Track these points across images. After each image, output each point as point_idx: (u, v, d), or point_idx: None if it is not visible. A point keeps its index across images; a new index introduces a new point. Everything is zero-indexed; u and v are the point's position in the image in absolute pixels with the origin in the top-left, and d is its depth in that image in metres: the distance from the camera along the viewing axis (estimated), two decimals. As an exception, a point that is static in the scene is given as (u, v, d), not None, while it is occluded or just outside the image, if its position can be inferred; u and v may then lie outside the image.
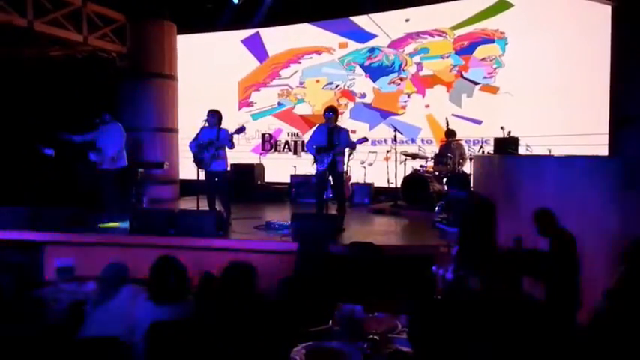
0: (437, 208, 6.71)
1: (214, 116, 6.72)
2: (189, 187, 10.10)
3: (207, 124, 6.75)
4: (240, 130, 6.65)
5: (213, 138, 6.63)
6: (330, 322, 2.87)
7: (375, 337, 2.55)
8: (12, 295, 2.88)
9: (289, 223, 6.22)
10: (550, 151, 7.14)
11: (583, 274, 3.84)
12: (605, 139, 7.57)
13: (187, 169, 10.21)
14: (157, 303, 2.95)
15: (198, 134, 6.75)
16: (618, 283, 3.16)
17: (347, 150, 6.73)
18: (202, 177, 6.84)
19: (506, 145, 6.46)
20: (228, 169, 7.09)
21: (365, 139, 6.63)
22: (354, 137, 6.99)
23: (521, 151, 6.82)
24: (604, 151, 7.46)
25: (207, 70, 11.54)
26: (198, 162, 6.72)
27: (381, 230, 6.99)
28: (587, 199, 4.33)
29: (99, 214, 6.96)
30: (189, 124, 10.00)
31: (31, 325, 2.79)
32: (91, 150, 7.04)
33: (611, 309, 3.01)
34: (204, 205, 7.21)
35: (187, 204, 8.91)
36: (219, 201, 6.93)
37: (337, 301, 3.43)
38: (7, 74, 9.57)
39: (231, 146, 6.73)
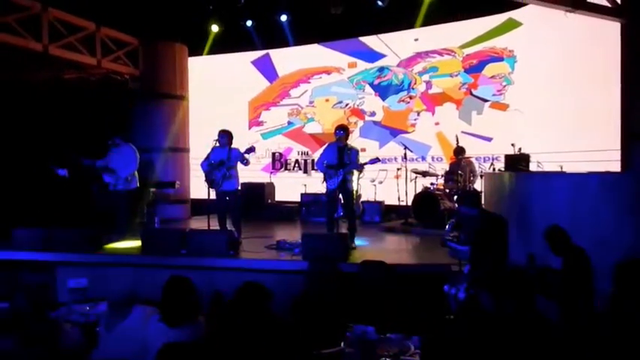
0: (447, 227, 6.66)
1: (225, 136, 6.76)
2: (200, 207, 10.15)
3: (218, 144, 6.79)
4: (250, 150, 6.70)
5: (224, 158, 6.68)
6: (342, 344, 2.85)
7: (388, 359, 2.53)
8: (28, 317, 2.90)
9: (300, 242, 6.21)
10: (562, 168, 7.10)
11: (597, 292, 3.79)
12: (617, 155, 7.50)
13: (198, 189, 10.28)
14: (168, 324, 2.95)
15: (209, 154, 6.80)
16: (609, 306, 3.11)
17: (355, 171, 6.73)
18: (213, 196, 6.89)
19: (517, 161, 6.44)
20: (239, 188, 7.13)
21: (377, 160, 6.64)
22: (364, 156, 7.00)
23: (533, 167, 6.78)
24: (616, 167, 7.40)
25: (217, 90, 11.69)
26: (210, 181, 6.76)
27: (392, 249, 6.96)
28: (601, 216, 4.29)
29: (111, 234, 7.02)
30: (200, 143, 10.14)
31: (46, 348, 2.80)
32: (105, 172, 7.13)
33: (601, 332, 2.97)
34: (215, 225, 7.24)
35: (198, 223, 8.94)
36: (230, 220, 6.95)
37: (348, 322, 3.41)
38: (21, 97, 9.75)
39: (246, 163, 6.79)
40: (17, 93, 9.61)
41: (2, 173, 9.00)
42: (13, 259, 6.42)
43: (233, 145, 6.84)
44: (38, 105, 9.89)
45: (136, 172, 7.30)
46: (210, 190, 6.84)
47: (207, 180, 6.79)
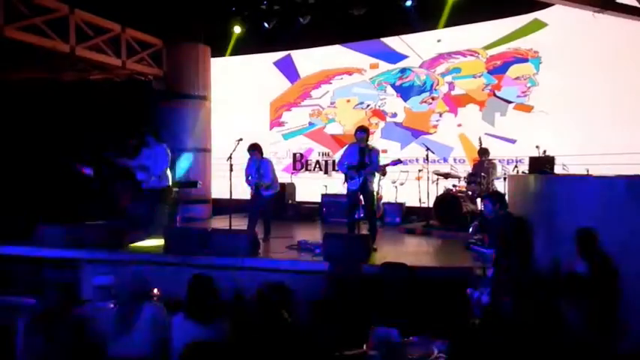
0: (471, 229, 6.60)
1: (255, 148, 7.26)
2: (221, 206, 10.24)
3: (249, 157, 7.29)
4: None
5: (254, 170, 7.24)
6: (365, 346, 2.84)
7: (411, 362, 2.52)
8: (56, 313, 2.95)
9: (321, 242, 6.21)
10: (588, 171, 6.95)
11: (624, 299, 3.70)
12: (645, 158, 7.34)
13: (219, 189, 10.37)
14: (193, 322, 2.97)
15: (247, 164, 7.36)
16: None
17: (377, 173, 6.73)
18: (235, 196, 7.05)
19: (542, 164, 6.32)
20: (276, 192, 7.59)
21: (398, 161, 6.62)
22: (386, 157, 6.98)
23: (558, 170, 6.66)
24: (645, 171, 7.23)
25: (239, 91, 11.77)
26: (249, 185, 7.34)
27: (414, 251, 6.91)
28: (630, 220, 4.18)
29: (139, 231, 7.12)
30: (221, 143, 10.22)
31: (72, 344, 2.85)
32: (139, 170, 7.25)
33: None
34: (236, 224, 7.32)
35: (219, 223, 9.01)
36: (262, 220, 7.29)
37: (370, 324, 3.39)
38: (48, 97, 9.97)
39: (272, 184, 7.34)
40: (44, 93, 9.84)
41: (28, 170, 9.22)
42: (37, 256, 6.56)
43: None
44: (65, 104, 10.11)
45: (168, 170, 7.41)
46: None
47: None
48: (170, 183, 7.47)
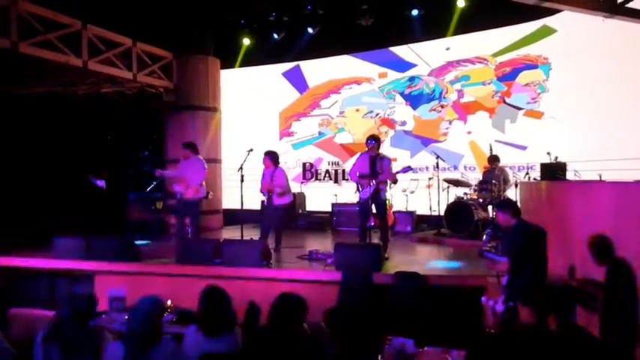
0: (485, 237, 6.55)
1: (267, 157, 7.33)
2: (231, 217, 10.28)
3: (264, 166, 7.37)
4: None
5: (268, 180, 7.29)
6: (380, 357, 2.83)
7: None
8: (70, 326, 2.96)
9: (332, 252, 6.20)
10: (600, 177, 6.89)
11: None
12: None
13: (230, 199, 10.41)
14: (206, 335, 2.97)
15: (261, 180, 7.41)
16: None
17: (389, 181, 6.73)
18: (246, 207, 7.07)
19: (554, 170, 6.29)
20: (289, 202, 7.59)
21: (409, 168, 6.61)
22: (396, 166, 6.99)
23: (569, 176, 6.61)
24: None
25: (248, 102, 11.84)
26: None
27: (426, 259, 6.87)
28: (645, 227, 4.13)
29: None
30: (231, 154, 10.28)
31: (89, 356, 2.86)
32: (175, 181, 7.49)
33: None
34: (247, 235, 7.34)
35: (230, 233, 9.04)
36: (273, 230, 7.28)
37: (384, 333, 3.38)
38: (62, 110, 10.11)
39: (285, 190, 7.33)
40: (56, 106, 9.98)
41: (42, 182, 9.33)
42: (53, 268, 6.63)
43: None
44: (78, 117, 10.24)
45: (204, 183, 7.49)
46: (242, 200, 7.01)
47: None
48: (205, 195, 7.57)
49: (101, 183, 7.60)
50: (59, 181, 9.43)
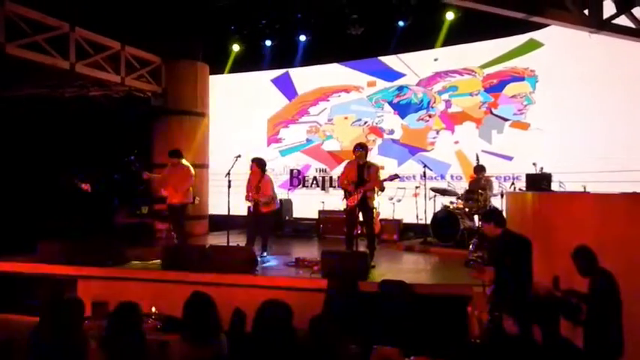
0: (471, 246, 6.60)
1: (260, 163, 7.32)
2: (218, 222, 10.22)
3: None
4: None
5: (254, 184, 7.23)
6: (366, 365, 2.82)
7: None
8: (52, 336, 2.89)
9: (319, 259, 6.19)
10: (585, 188, 6.98)
11: (624, 317, 3.69)
12: (641, 176, 7.38)
13: (217, 205, 10.36)
14: (191, 342, 2.93)
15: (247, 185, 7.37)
16: None
17: (376, 189, 6.75)
18: (233, 212, 7.07)
19: (539, 181, 6.36)
20: (275, 208, 7.59)
21: (396, 176, 6.64)
22: (383, 173, 7.02)
23: (554, 187, 6.69)
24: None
25: (237, 108, 11.82)
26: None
27: (412, 268, 6.90)
28: (629, 238, 4.19)
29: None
30: (219, 160, 10.23)
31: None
32: (163, 186, 7.51)
33: None
34: (234, 241, 7.31)
35: (217, 239, 8.98)
36: (260, 237, 7.26)
37: (370, 342, 3.37)
38: (48, 112, 10.00)
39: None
40: (45, 108, 9.87)
41: (28, 185, 9.21)
42: (35, 272, 6.52)
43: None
44: (64, 120, 10.14)
45: (191, 188, 7.53)
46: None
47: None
48: (193, 200, 7.63)
49: (86, 186, 7.52)
50: (44, 184, 9.30)
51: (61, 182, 8.29)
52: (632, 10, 6.02)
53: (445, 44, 9.59)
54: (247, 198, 7.33)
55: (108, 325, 2.83)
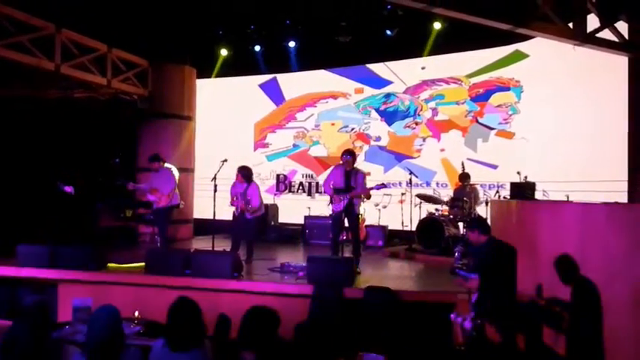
0: (457, 254, 6.64)
1: (240, 172, 7.30)
2: (203, 227, 10.15)
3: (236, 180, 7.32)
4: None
5: (240, 191, 7.23)
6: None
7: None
8: (28, 345, 2.82)
9: (304, 265, 6.18)
10: (568, 197, 7.08)
11: (605, 324, 3.75)
12: (624, 186, 7.50)
13: (202, 209, 10.30)
14: (174, 349, 2.89)
15: (231, 189, 7.36)
16: None
17: (362, 196, 6.76)
18: (219, 217, 7.09)
19: (523, 190, 6.43)
20: (260, 214, 7.59)
21: (383, 185, 6.68)
22: (369, 180, 7.04)
23: (538, 196, 6.78)
24: (623, 198, 7.39)
25: (224, 112, 11.79)
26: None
27: (397, 274, 6.91)
28: (610, 247, 4.26)
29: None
30: (205, 164, 10.18)
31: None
32: (149, 192, 7.52)
33: None
34: (219, 245, 7.27)
35: (202, 243, 8.92)
36: (245, 242, 7.24)
37: (354, 348, 3.37)
38: (31, 113, 9.86)
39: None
40: (26, 109, 9.73)
41: (8, 187, 9.05)
42: (15, 276, 6.41)
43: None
44: (48, 122, 10.01)
45: (177, 190, 7.57)
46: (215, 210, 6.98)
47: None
48: (179, 202, 7.64)
49: (69, 189, 7.42)
50: (26, 186, 9.16)
51: (44, 185, 8.17)
52: (616, 25, 6.16)
53: (432, 53, 9.68)
54: (232, 203, 7.31)
55: (89, 329, 2.78)
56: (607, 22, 6.11)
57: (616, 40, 6.15)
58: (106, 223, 8.77)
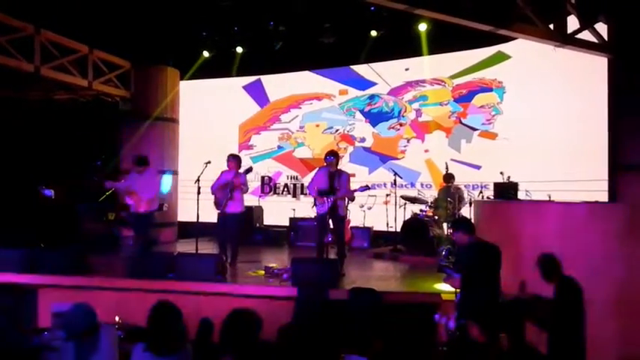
0: (444, 252, 6.65)
1: (234, 160, 7.23)
2: (187, 230, 10.06)
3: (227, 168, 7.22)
4: (248, 170, 7.22)
5: (230, 179, 7.01)
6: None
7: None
8: (6, 337, 2.76)
9: (288, 267, 6.15)
10: (550, 197, 7.14)
11: (588, 322, 3.78)
12: (604, 185, 7.59)
13: (185, 211, 10.21)
14: (155, 353, 2.85)
15: (219, 177, 7.17)
16: None
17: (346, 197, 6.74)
18: (202, 219, 7.00)
19: (506, 190, 6.48)
20: (242, 211, 7.42)
21: (367, 187, 6.66)
22: (354, 182, 7.03)
23: (521, 196, 6.82)
24: (604, 198, 7.47)
25: (208, 114, 11.70)
26: (216, 203, 7.13)
27: (382, 275, 6.91)
28: (591, 246, 4.31)
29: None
30: (189, 166, 10.10)
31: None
32: (127, 194, 7.11)
33: None
34: (203, 248, 7.20)
35: (185, 246, 8.83)
36: (229, 244, 7.13)
37: (339, 350, 3.35)
38: (10, 115, 9.70)
39: (246, 189, 7.23)
40: (6, 111, 9.57)
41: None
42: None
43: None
44: (28, 124, 9.85)
45: (158, 195, 7.33)
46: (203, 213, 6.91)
47: (215, 202, 7.15)
48: (157, 208, 7.41)
49: (49, 192, 7.30)
50: (6, 189, 8.98)
51: (25, 188, 8.03)
52: (595, 26, 6.23)
53: (416, 54, 9.71)
54: (216, 201, 7.17)
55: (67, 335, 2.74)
56: (586, 24, 6.18)
57: (595, 41, 6.23)
58: (89, 227, 8.64)
